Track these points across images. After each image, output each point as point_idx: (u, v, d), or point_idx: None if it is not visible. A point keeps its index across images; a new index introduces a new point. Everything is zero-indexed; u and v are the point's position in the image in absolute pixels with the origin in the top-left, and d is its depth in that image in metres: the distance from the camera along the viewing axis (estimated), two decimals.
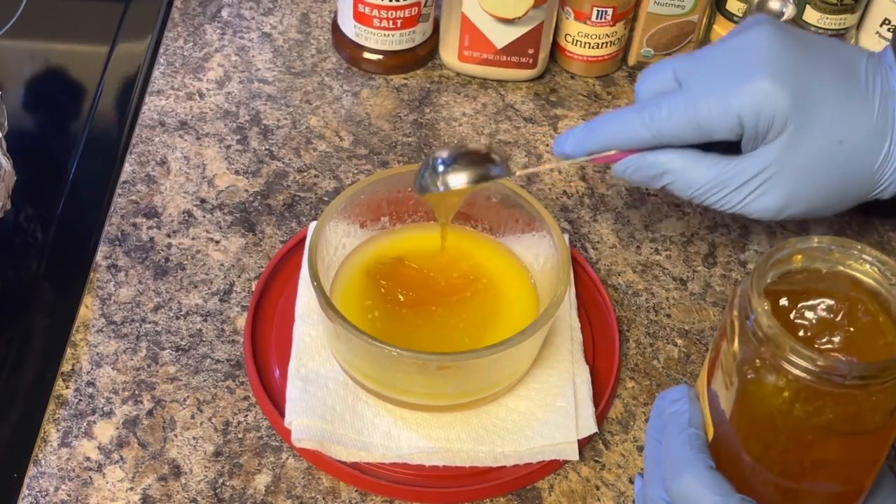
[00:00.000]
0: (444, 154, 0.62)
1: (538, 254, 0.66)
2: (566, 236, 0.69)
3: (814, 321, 0.46)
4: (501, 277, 0.67)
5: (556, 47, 0.87)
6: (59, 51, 0.87)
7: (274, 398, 0.63)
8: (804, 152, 0.60)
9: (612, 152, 0.63)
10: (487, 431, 0.62)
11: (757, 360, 0.45)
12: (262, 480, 0.61)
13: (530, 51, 0.84)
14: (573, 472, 0.62)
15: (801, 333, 0.46)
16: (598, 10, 0.83)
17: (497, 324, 0.64)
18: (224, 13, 0.90)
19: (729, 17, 0.85)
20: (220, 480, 0.60)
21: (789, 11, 0.79)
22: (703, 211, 0.78)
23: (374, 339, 0.57)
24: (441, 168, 0.61)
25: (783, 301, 0.46)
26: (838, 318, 0.46)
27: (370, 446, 0.61)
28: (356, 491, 0.61)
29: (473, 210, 0.69)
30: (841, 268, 0.47)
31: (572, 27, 0.85)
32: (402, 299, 0.64)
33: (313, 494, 0.60)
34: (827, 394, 0.43)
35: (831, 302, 0.46)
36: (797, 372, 0.43)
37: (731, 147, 0.62)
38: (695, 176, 0.62)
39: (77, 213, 0.74)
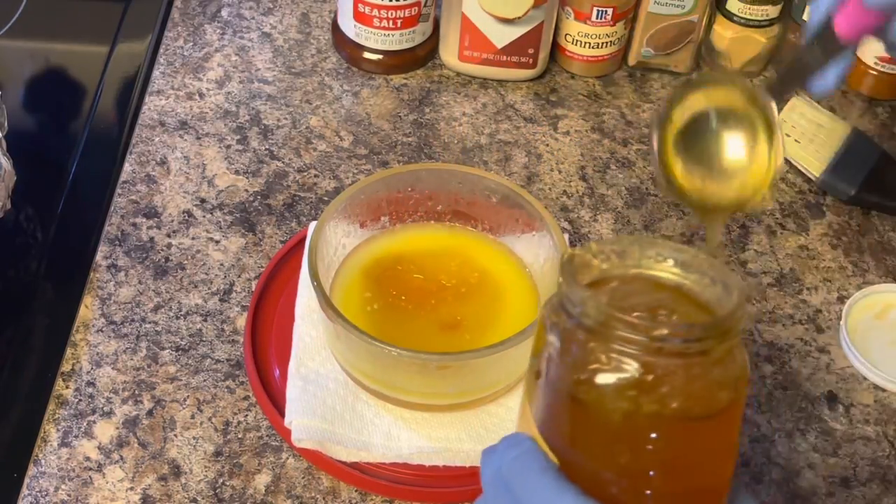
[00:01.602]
0: None
1: (538, 254, 0.66)
2: (566, 236, 0.69)
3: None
4: (501, 277, 0.67)
5: (556, 47, 0.87)
6: (59, 51, 0.87)
7: (274, 398, 0.63)
8: None
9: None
10: (487, 431, 0.62)
11: (590, 361, 0.42)
12: (262, 480, 0.61)
13: (530, 51, 0.84)
14: None
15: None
16: (598, 10, 0.83)
17: (497, 324, 0.64)
18: (224, 13, 0.90)
19: (729, 16, 0.85)
20: (220, 480, 0.60)
21: None
22: None
23: (374, 339, 0.57)
24: None
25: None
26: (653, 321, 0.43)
27: (370, 446, 0.61)
28: (356, 491, 0.61)
29: (473, 210, 0.69)
30: (641, 271, 0.45)
31: (572, 27, 0.85)
32: (402, 299, 0.64)
33: (313, 494, 0.60)
34: (670, 375, 0.41)
35: (642, 310, 0.43)
36: (633, 350, 0.40)
37: None
38: None
39: (77, 213, 0.74)
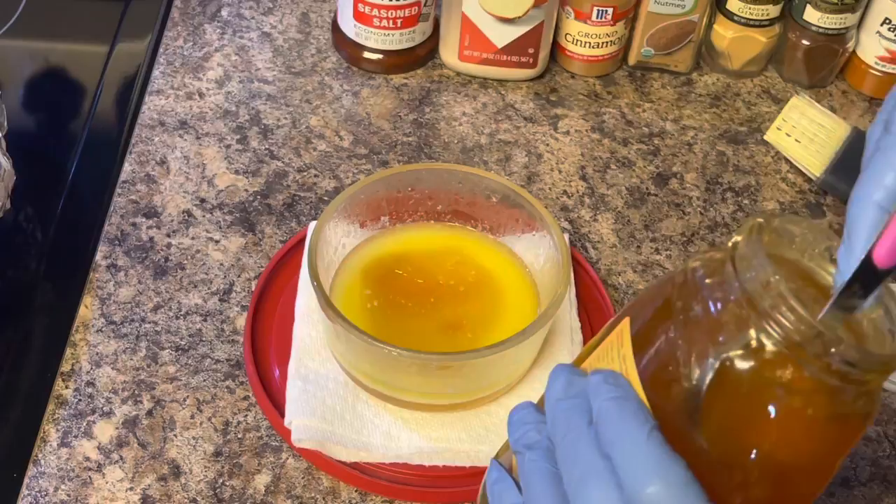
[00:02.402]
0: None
1: (538, 254, 0.66)
2: (566, 236, 0.69)
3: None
4: (501, 277, 0.67)
5: (556, 47, 0.87)
6: (59, 51, 0.87)
7: (274, 398, 0.63)
8: None
9: None
10: (487, 431, 0.62)
11: (736, 330, 0.38)
12: (262, 480, 0.61)
13: (530, 50, 0.84)
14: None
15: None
16: (598, 10, 0.83)
17: (497, 324, 0.64)
18: (224, 13, 0.90)
19: (729, 16, 0.85)
20: (220, 480, 0.60)
21: None
22: (702, 210, 0.78)
23: (374, 339, 0.57)
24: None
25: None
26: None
27: (370, 446, 0.61)
28: (356, 491, 0.61)
29: (473, 210, 0.69)
30: (813, 266, 0.43)
31: (572, 27, 0.85)
32: (403, 299, 0.64)
33: (313, 494, 0.60)
34: (809, 381, 0.38)
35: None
36: (788, 340, 0.37)
37: None
38: None
39: (77, 213, 0.74)
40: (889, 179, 0.46)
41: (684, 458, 0.38)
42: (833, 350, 0.37)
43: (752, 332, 0.38)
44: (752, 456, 0.40)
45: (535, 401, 0.46)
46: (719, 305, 0.39)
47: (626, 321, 0.43)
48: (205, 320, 0.68)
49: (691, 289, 0.41)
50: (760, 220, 0.41)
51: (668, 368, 0.40)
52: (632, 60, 0.88)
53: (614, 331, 0.44)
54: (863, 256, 0.42)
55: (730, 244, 0.41)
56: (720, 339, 0.39)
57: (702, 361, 0.39)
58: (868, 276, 0.42)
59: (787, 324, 0.38)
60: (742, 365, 0.39)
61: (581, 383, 0.40)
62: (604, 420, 0.39)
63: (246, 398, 0.64)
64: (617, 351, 0.42)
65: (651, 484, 0.37)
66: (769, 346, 0.38)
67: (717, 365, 0.39)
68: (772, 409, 0.39)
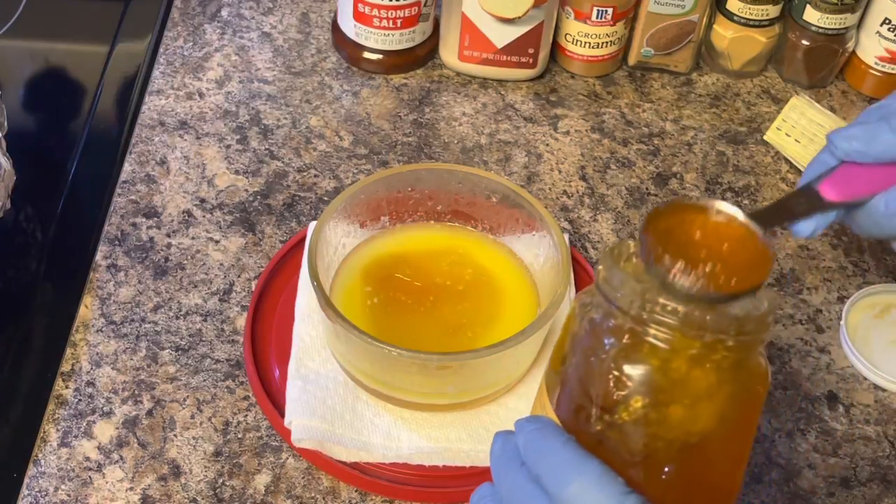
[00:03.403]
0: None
1: (538, 254, 0.66)
2: (566, 236, 0.69)
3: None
4: (501, 277, 0.67)
5: (556, 47, 0.87)
6: (59, 51, 0.87)
7: (274, 398, 0.63)
8: None
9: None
10: (487, 431, 0.62)
11: (622, 345, 0.43)
12: (262, 480, 0.61)
13: (530, 50, 0.84)
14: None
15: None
16: (598, 10, 0.83)
17: (497, 324, 0.64)
18: (224, 13, 0.90)
19: (729, 16, 0.85)
20: (220, 480, 0.60)
21: None
22: None
23: (374, 339, 0.57)
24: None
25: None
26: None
27: (370, 446, 0.61)
28: (356, 491, 0.61)
29: (473, 210, 0.69)
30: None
31: (572, 27, 0.85)
32: (403, 298, 0.64)
33: (313, 494, 0.60)
34: (698, 368, 0.42)
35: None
36: (667, 337, 0.42)
37: None
38: None
39: (77, 213, 0.74)
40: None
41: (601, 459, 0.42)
42: (706, 322, 0.41)
43: (641, 335, 0.42)
44: (666, 443, 0.43)
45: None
46: (606, 325, 0.43)
47: (542, 376, 0.48)
48: (205, 320, 0.68)
49: (580, 322, 0.45)
50: (609, 246, 0.46)
51: (574, 395, 0.44)
52: (632, 60, 0.88)
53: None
54: (813, 178, 0.53)
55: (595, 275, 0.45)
56: (612, 350, 0.43)
57: (602, 375, 0.43)
58: (814, 199, 0.53)
59: (666, 319, 0.42)
60: (640, 363, 0.42)
61: (512, 438, 0.45)
62: (528, 447, 0.43)
63: (246, 398, 0.64)
64: (539, 402, 0.47)
65: (571, 482, 0.41)
66: (658, 342, 0.42)
67: (616, 370, 0.43)
68: (673, 397, 0.43)
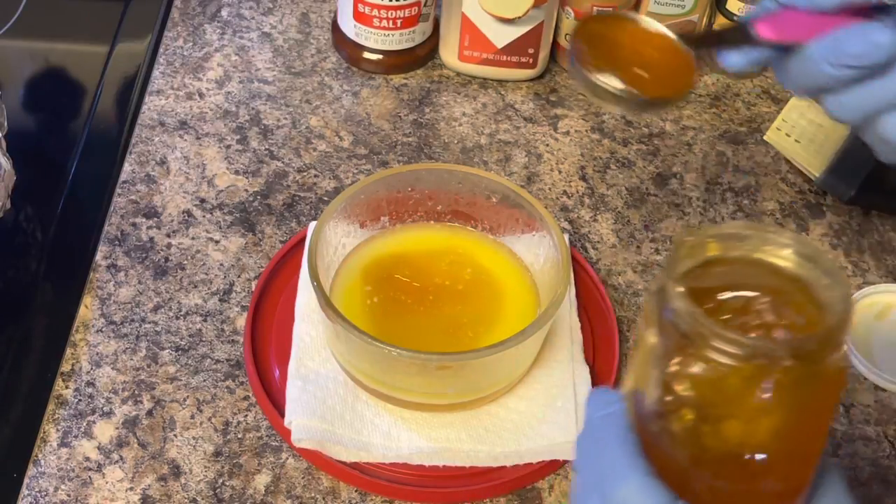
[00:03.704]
0: None
1: (538, 254, 0.66)
2: (566, 236, 0.69)
3: (734, 313, 0.43)
4: (501, 277, 0.67)
5: (556, 47, 0.87)
6: (59, 51, 0.87)
7: (274, 398, 0.63)
8: None
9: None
10: (487, 431, 0.62)
11: (678, 353, 0.42)
12: (262, 480, 0.61)
13: (530, 50, 0.84)
14: (573, 472, 0.62)
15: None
16: (598, 10, 0.83)
17: (497, 324, 0.64)
18: (224, 13, 0.90)
19: (729, 16, 0.85)
20: (220, 480, 0.60)
21: None
22: (702, 211, 0.78)
23: (374, 339, 0.57)
24: None
25: (705, 299, 0.43)
26: (760, 308, 0.43)
27: (370, 446, 0.61)
28: (356, 491, 0.61)
29: (473, 210, 0.69)
30: (758, 255, 0.44)
31: (572, 27, 0.85)
32: (403, 298, 0.64)
33: (313, 494, 0.60)
34: (760, 382, 0.40)
35: (751, 293, 0.43)
36: (724, 360, 0.40)
37: None
38: None
39: (77, 213, 0.74)
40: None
41: (663, 464, 0.42)
42: (776, 352, 0.40)
43: (707, 352, 0.41)
44: (723, 454, 0.42)
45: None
46: (666, 337, 0.42)
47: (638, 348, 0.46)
48: (205, 320, 0.68)
49: (658, 314, 0.43)
50: (675, 241, 0.43)
51: (640, 388, 0.44)
52: None
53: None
54: (753, 14, 0.54)
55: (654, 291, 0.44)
56: (673, 367, 0.42)
57: (664, 380, 0.42)
58: (745, 34, 0.54)
59: (736, 351, 0.40)
60: (698, 375, 0.41)
61: (593, 404, 0.46)
62: (596, 433, 0.45)
63: (246, 398, 0.64)
64: (631, 373, 0.46)
65: (619, 487, 0.42)
66: (723, 359, 0.40)
67: (677, 380, 0.42)
68: (731, 410, 0.41)
